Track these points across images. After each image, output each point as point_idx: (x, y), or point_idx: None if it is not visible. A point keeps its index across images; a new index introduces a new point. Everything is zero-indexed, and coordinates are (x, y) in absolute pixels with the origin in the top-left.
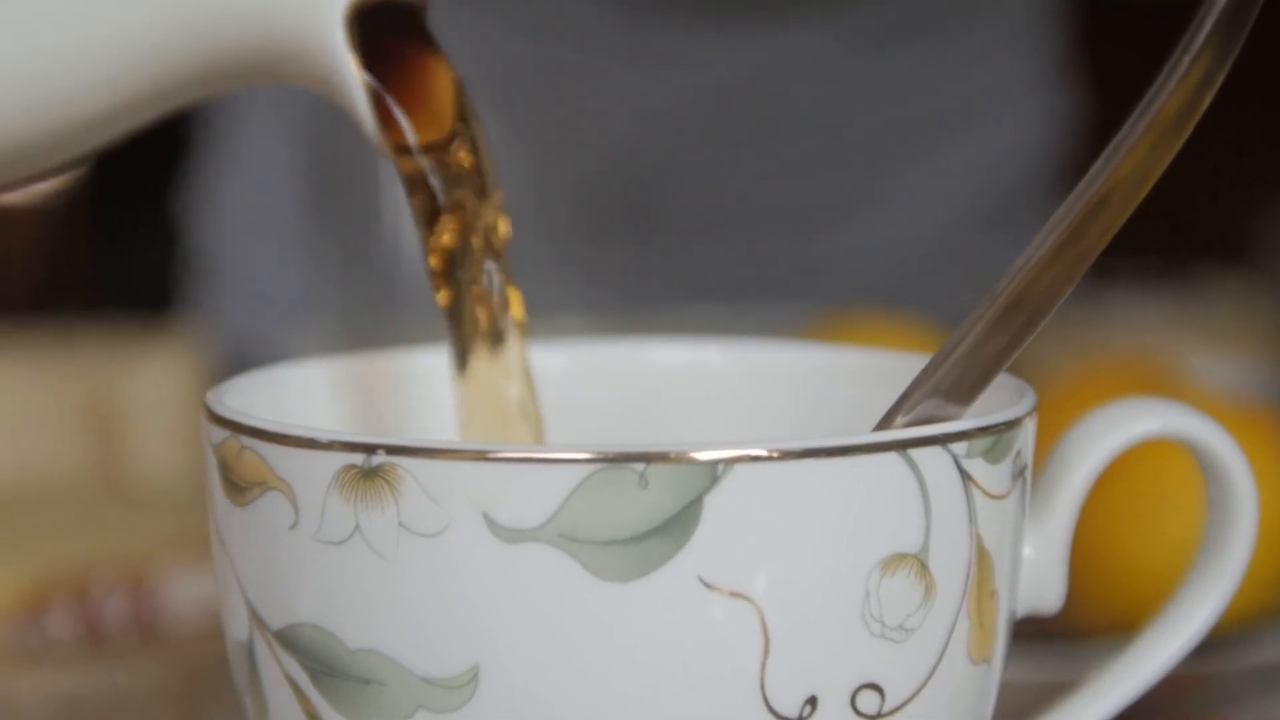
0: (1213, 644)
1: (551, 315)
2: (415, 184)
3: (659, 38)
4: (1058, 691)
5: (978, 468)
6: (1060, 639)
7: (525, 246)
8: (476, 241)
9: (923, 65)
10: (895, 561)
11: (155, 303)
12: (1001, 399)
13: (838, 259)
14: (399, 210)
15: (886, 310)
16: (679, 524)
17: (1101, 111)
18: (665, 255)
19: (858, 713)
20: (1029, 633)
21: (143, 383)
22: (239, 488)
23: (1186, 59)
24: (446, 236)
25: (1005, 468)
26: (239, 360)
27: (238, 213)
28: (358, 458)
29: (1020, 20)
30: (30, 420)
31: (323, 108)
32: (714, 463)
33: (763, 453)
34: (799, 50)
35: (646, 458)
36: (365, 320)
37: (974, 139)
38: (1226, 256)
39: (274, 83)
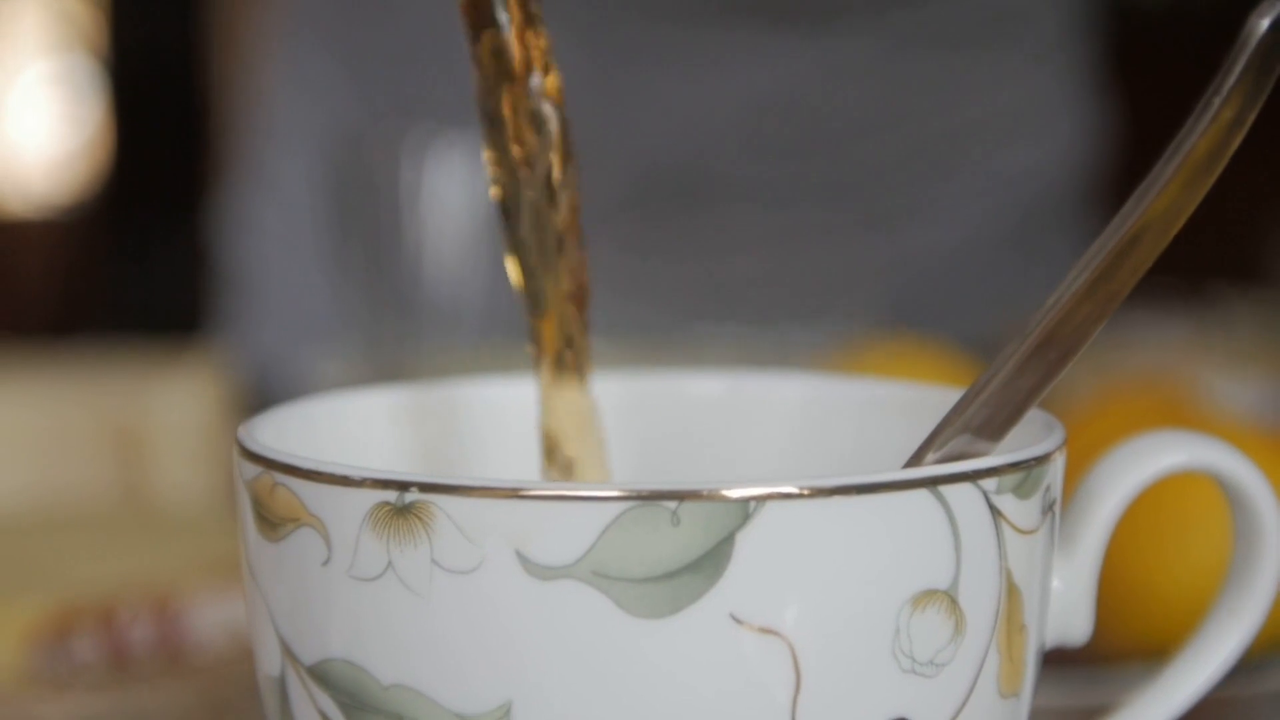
0: (1234, 668)
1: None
2: None
3: (692, 45)
4: (1083, 717)
5: (1007, 503)
6: (1086, 664)
7: None
8: (521, 62)
9: (956, 80)
10: (925, 597)
11: (178, 324)
12: (1030, 433)
13: (868, 273)
14: (422, 234)
15: (914, 331)
16: (711, 561)
17: (1131, 132)
18: (694, 268)
19: None
20: (1056, 659)
21: (167, 405)
22: (272, 523)
23: (1217, 100)
24: (492, 54)
25: (1035, 503)
26: (262, 383)
27: (263, 234)
28: (391, 495)
29: (1052, 39)
30: (54, 444)
31: (348, 126)
32: (745, 500)
33: (794, 490)
34: (832, 60)
35: (679, 495)
36: (390, 343)
37: (1006, 155)
38: (1244, 277)
39: None
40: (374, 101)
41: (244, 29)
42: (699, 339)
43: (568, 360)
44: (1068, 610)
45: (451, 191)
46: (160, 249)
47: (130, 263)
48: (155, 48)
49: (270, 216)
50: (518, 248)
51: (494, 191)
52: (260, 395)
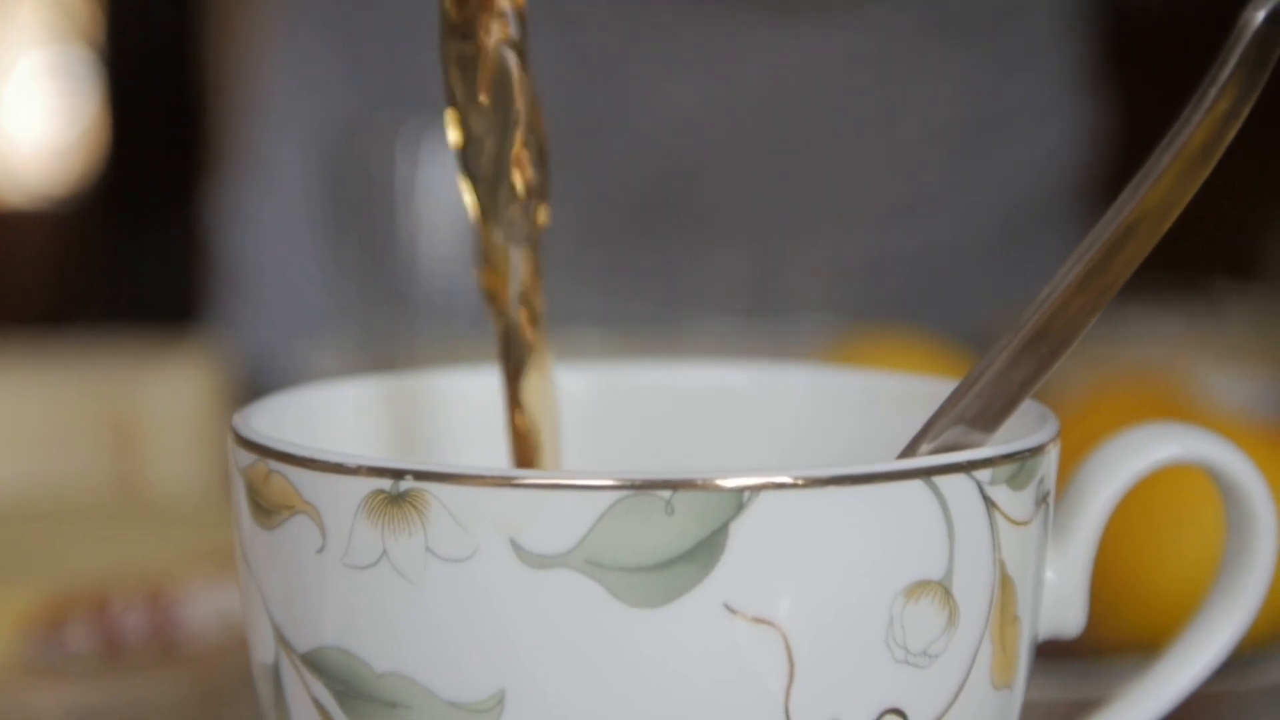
0: (1227, 662)
1: (572, 327)
2: None
3: (682, 38)
4: (1076, 710)
5: (1001, 494)
6: (1079, 657)
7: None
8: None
9: (950, 75)
10: (919, 588)
11: (172, 315)
12: (1024, 425)
13: (861, 267)
14: (417, 226)
15: (907, 325)
16: (705, 550)
17: (1125, 129)
18: (687, 261)
19: None
20: (1049, 651)
21: (161, 396)
22: (266, 511)
23: (1213, 92)
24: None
25: (1028, 494)
26: (257, 373)
27: (258, 225)
28: (385, 483)
29: (1047, 35)
30: (48, 433)
31: (343, 117)
32: (740, 490)
33: (788, 480)
34: (826, 54)
35: (673, 484)
36: (383, 334)
37: (1000, 150)
38: (1239, 272)
39: None
40: (370, 93)
41: (240, 20)
42: (691, 332)
43: (521, 329)
44: (1061, 602)
45: (446, 183)
46: (155, 240)
47: (125, 253)
48: (151, 39)
49: (265, 208)
50: (474, 183)
51: (452, 131)
52: (254, 386)
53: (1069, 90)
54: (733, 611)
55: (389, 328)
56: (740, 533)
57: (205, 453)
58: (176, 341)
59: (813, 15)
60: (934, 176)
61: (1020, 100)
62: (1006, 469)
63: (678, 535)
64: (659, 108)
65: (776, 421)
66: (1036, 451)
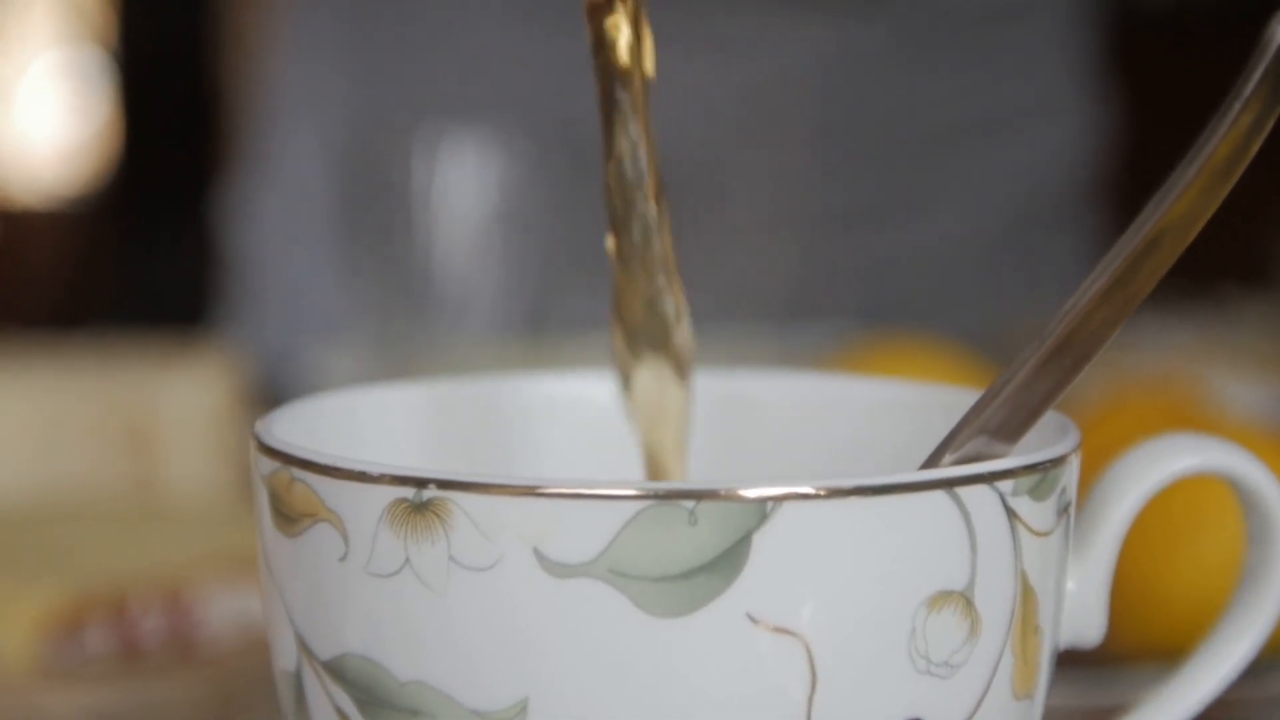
0: (1245, 669)
1: (582, 332)
2: None
3: (692, 31)
4: (1096, 718)
5: (1023, 505)
6: (1099, 665)
7: (553, 252)
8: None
9: (957, 74)
10: (941, 599)
11: (186, 316)
12: (1046, 436)
13: (863, 267)
14: (433, 228)
15: (912, 326)
16: (727, 561)
17: (1131, 130)
18: (687, 261)
19: None
20: (1069, 660)
21: (177, 397)
22: (289, 519)
23: (1237, 105)
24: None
25: (1050, 505)
26: (271, 376)
27: (272, 226)
28: (408, 491)
29: (1052, 35)
30: (64, 436)
31: (359, 119)
32: (763, 500)
33: (811, 490)
34: (832, 51)
35: (696, 495)
36: (399, 337)
37: (1007, 150)
38: (1252, 278)
39: None
40: (384, 93)
41: (254, 20)
42: (699, 336)
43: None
44: (1081, 612)
45: (462, 186)
46: (168, 241)
47: (138, 254)
48: (164, 39)
49: (279, 208)
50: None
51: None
52: (270, 388)
53: (1075, 90)
54: (755, 621)
55: (404, 331)
56: (763, 543)
57: (221, 454)
58: (191, 343)
59: (817, 12)
60: (938, 176)
61: (1026, 100)
62: (1028, 480)
63: (700, 545)
64: (659, 104)
65: (797, 430)
66: (1058, 462)
